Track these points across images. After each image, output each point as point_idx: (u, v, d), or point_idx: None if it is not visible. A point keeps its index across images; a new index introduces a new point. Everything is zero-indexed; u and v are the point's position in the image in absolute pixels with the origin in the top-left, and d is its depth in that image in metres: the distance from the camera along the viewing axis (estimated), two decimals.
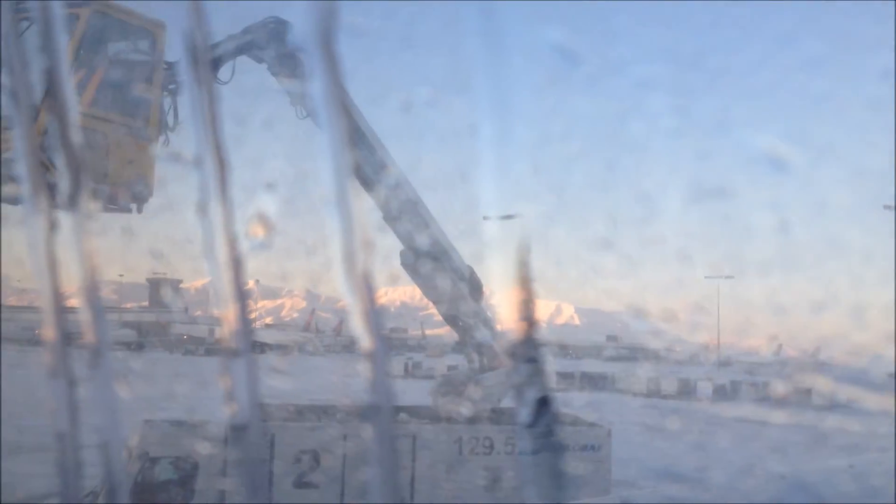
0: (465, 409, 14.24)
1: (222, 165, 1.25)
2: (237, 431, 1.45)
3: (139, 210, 13.31)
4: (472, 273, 15.36)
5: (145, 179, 13.09)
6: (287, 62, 13.28)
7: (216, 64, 13.47)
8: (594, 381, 51.36)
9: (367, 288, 1.41)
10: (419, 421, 14.35)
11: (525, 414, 0.77)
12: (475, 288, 15.43)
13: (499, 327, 14.73)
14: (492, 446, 14.25)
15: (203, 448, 11.84)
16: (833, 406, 37.94)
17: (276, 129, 14.22)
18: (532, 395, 0.80)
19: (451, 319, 15.84)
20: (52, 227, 1.40)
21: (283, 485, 12.59)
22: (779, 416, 31.25)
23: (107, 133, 12.40)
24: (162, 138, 13.31)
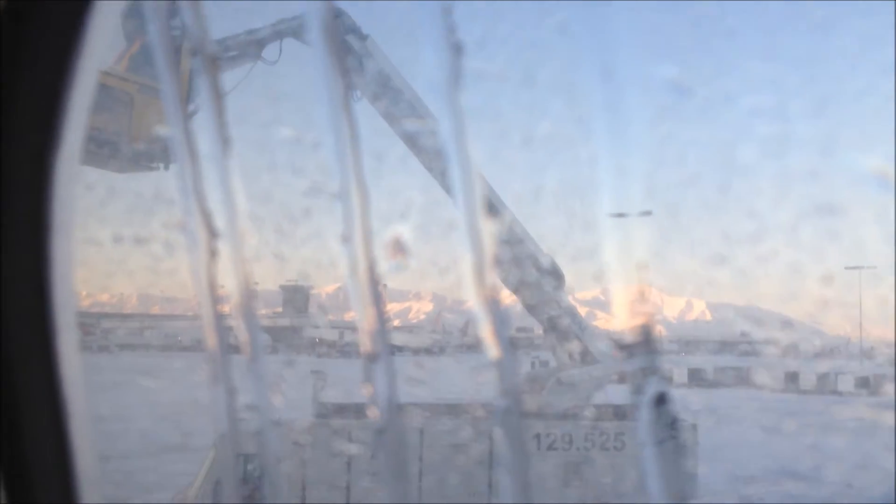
0: (543, 405, 14.09)
1: (364, 196, 1.38)
2: (379, 433, 1.57)
3: (166, 168, 14.31)
4: (553, 263, 15.09)
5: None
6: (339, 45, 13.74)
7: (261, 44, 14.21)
8: (727, 377, 49.70)
9: (493, 293, 1.50)
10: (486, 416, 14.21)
11: (641, 410, 0.82)
12: (557, 278, 15.12)
13: (594, 323, 14.54)
14: (570, 442, 14.06)
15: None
16: None
17: (408, 164, 14.72)
18: (647, 391, 0.85)
19: (534, 310, 15.56)
20: (213, 252, 1.57)
21: (424, 482, 12.91)
22: None
23: (132, 94, 13.47)
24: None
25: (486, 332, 1.52)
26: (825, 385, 44.55)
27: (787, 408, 32.45)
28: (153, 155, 14.57)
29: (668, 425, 0.83)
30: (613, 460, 14.12)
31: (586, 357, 15.57)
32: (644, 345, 1.53)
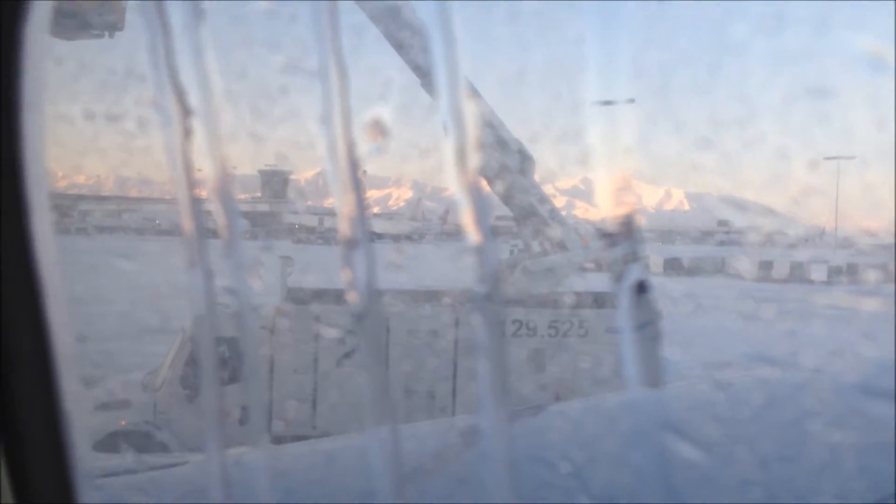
0: (514, 292, 14.04)
1: (342, 75, 1.33)
2: (358, 318, 1.57)
3: (111, 36, 14.09)
4: (522, 146, 14.72)
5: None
6: None
7: None
8: (703, 266, 50.52)
9: (474, 179, 1.48)
10: (463, 303, 14.23)
11: (621, 297, 0.82)
12: (527, 163, 14.76)
13: (573, 212, 14.47)
14: (535, 330, 14.16)
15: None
16: None
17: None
18: (627, 278, 0.85)
19: (505, 198, 15.22)
20: (187, 130, 1.52)
21: (397, 367, 13.14)
22: None
23: None
24: None
25: (466, 219, 1.51)
26: (799, 274, 45.42)
27: (763, 296, 33.03)
28: (104, 22, 14.20)
29: (647, 312, 0.83)
30: (581, 347, 14.29)
31: (557, 245, 15.56)
32: (625, 233, 1.53)
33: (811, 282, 42.74)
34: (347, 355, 13.27)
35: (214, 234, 1.70)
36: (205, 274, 1.70)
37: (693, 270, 47.79)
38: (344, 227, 1.59)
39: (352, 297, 1.56)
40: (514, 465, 1.00)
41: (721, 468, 4.29)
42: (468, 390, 13.58)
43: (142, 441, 14.05)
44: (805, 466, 4.56)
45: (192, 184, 1.61)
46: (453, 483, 3.56)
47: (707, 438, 4.71)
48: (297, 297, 14.88)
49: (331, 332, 13.41)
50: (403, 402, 13.41)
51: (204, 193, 1.68)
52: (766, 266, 47.20)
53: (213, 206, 1.68)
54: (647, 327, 0.87)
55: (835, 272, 45.29)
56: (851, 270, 45.66)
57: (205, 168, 1.60)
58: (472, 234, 1.52)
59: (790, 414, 5.63)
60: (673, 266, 48.08)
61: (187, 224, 1.64)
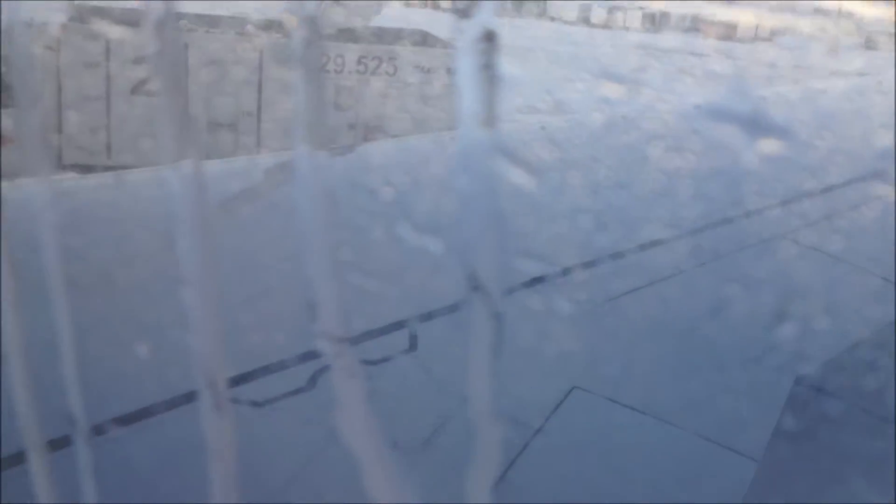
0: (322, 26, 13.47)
1: None
2: (154, 41, 1.40)
3: None
4: None
5: None
6: None
7: None
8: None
9: None
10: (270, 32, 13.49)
11: (461, 36, 0.77)
12: None
13: None
14: (343, 66, 13.74)
15: None
16: (758, 39, 37.34)
17: None
18: (471, 19, 0.79)
19: None
20: None
21: (198, 99, 12.49)
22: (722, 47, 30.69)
23: None
24: None
25: None
26: (615, 21, 46.14)
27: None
28: None
29: (488, 55, 0.79)
30: (388, 87, 14.01)
31: None
32: None
33: (626, 28, 43.55)
34: (143, 82, 12.41)
35: None
36: None
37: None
38: None
39: (147, 18, 1.39)
40: (331, 194, 0.96)
41: (553, 195, 4.53)
42: (272, 127, 13.25)
43: None
44: (638, 193, 4.91)
45: None
46: (266, 210, 3.53)
47: (540, 164, 4.92)
48: (86, 16, 13.39)
49: (125, 56, 12.39)
50: (205, 137, 12.93)
51: None
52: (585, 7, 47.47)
53: None
54: (487, 69, 0.82)
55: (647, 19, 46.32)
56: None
57: None
58: None
59: (630, 138, 5.95)
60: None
61: None
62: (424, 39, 14.36)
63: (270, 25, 13.35)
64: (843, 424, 3.05)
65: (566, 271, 3.67)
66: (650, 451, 2.80)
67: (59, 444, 1.22)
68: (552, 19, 46.54)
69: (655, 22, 46.27)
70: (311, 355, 2.55)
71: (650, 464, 2.75)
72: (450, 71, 13.39)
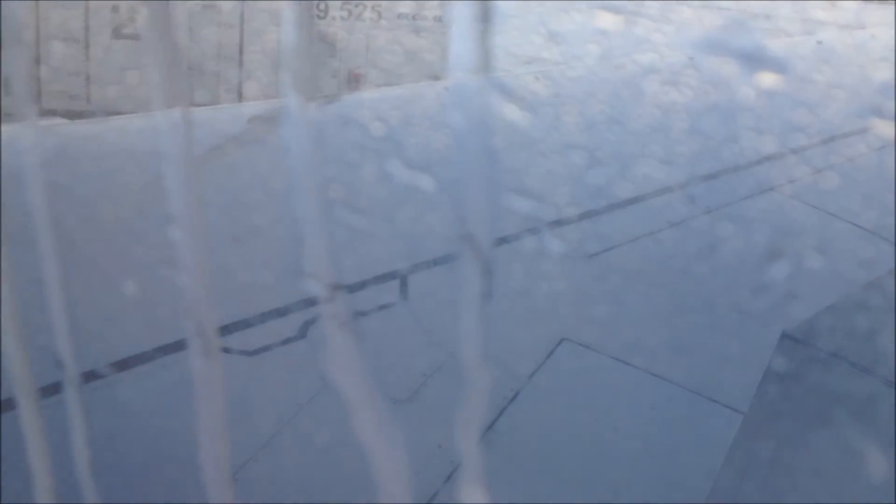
0: None
1: None
2: None
3: None
4: None
5: None
6: None
7: None
8: None
9: None
10: None
11: None
12: None
13: None
14: (326, 11, 13.23)
15: None
16: None
17: None
18: None
19: None
20: None
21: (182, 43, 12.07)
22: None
23: None
24: None
25: None
26: None
27: None
28: None
29: (483, 7, 0.77)
30: (371, 34, 13.54)
31: None
32: None
33: None
34: (123, 25, 12.09)
35: None
36: None
37: None
38: None
39: None
40: (322, 138, 0.95)
41: (547, 130, 4.50)
42: (256, 75, 12.97)
43: None
44: (632, 128, 4.88)
45: None
46: (253, 159, 3.50)
47: (534, 99, 4.87)
48: None
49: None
50: (189, 82, 12.63)
51: None
52: None
53: None
54: (482, 21, 0.80)
55: None
56: None
57: None
58: None
59: (625, 73, 5.87)
60: None
61: None
62: None
63: None
64: (829, 373, 3.08)
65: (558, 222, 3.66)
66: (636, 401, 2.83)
67: (49, 390, 1.22)
68: None
69: None
70: (302, 304, 2.55)
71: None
72: (436, 18, 13.13)
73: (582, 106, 5.28)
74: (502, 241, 3.19)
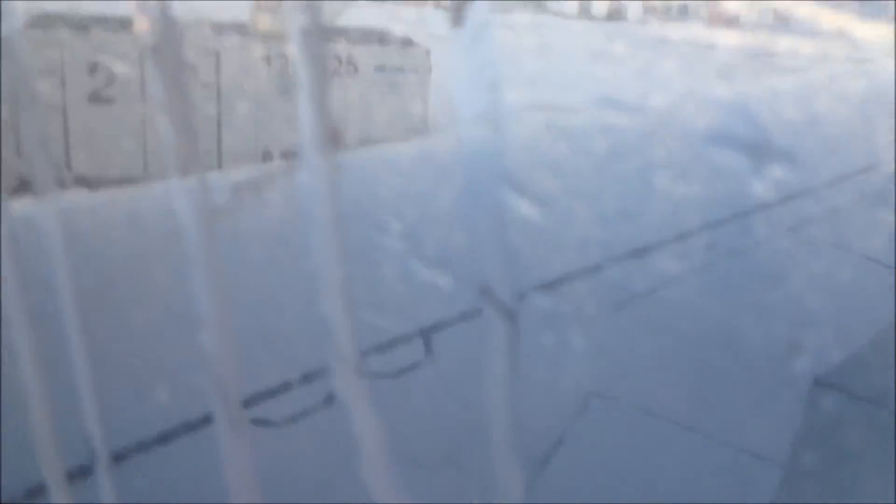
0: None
1: None
2: (154, 52, 1.37)
3: None
4: None
5: None
6: None
7: None
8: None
9: None
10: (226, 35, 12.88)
11: (459, 36, 0.75)
12: None
13: None
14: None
15: None
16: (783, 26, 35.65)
17: None
18: (465, 15, 0.77)
19: None
20: None
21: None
22: (726, 38, 29.76)
23: None
24: None
25: None
26: (616, 14, 44.97)
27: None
28: None
29: (485, 52, 0.77)
30: (349, 88, 13.35)
31: None
32: None
33: (627, 20, 42.20)
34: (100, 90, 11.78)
35: None
36: None
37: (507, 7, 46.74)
38: None
39: (141, 24, 1.36)
40: (336, 193, 0.93)
41: (560, 226, 4.48)
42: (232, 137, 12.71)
43: None
44: (645, 221, 4.86)
45: None
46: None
47: (546, 193, 4.86)
48: (85, 23, 12.71)
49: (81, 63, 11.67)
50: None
51: None
52: (586, 10, 46.50)
53: None
54: (486, 70, 0.80)
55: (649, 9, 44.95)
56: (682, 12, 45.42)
57: None
58: None
59: (634, 164, 5.88)
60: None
61: None
62: (387, 38, 13.86)
63: (232, 28, 12.90)
64: (864, 418, 3.00)
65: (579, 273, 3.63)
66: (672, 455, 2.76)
67: (79, 473, 1.21)
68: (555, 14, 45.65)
69: (671, 13, 44.45)
70: (325, 371, 2.53)
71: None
72: (417, 70, 12.98)
73: (592, 154, 5.28)
74: (522, 295, 3.18)
